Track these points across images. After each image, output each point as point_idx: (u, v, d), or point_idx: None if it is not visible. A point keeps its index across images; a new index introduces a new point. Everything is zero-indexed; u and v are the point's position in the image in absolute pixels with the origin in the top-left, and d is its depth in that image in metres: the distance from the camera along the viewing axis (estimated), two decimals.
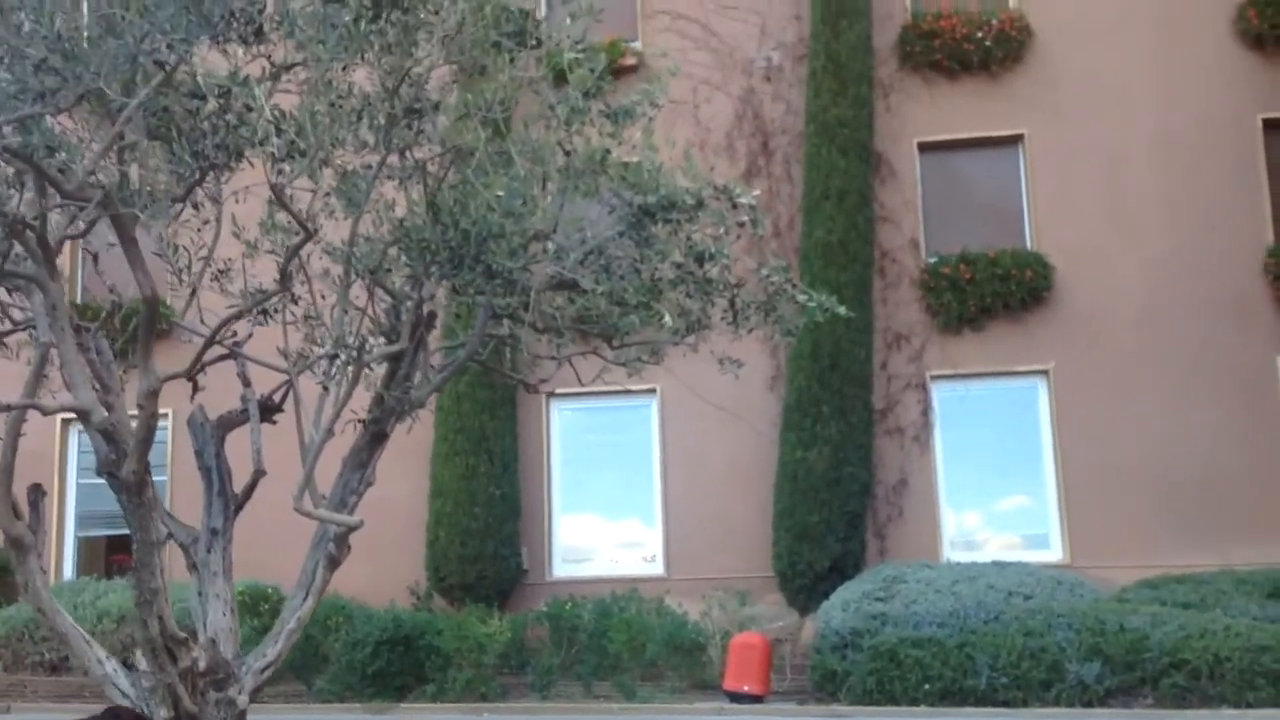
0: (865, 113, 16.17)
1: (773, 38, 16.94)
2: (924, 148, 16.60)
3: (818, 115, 16.09)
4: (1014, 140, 16.49)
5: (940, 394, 16.28)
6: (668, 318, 7.15)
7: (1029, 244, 16.23)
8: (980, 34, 16.35)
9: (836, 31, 16.11)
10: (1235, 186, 15.75)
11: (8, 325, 6.75)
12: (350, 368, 6.17)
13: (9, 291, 6.96)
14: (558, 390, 15.46)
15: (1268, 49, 15.89)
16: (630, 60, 16.05)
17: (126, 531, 6.47)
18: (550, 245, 6.59)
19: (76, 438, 16.99)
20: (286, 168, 5.36)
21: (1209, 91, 15.97)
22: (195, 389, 7.08)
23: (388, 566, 15.78)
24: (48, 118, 4.61)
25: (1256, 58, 15.92)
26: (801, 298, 7.68)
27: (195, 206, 6.06)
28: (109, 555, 17.69)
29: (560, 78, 7.09)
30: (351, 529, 6.70)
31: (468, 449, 15.98)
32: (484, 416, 16.03)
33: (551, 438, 16.78)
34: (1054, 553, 15.77)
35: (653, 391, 16.26)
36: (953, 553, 15.94)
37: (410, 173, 6.25)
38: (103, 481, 6.45)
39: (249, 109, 4.86)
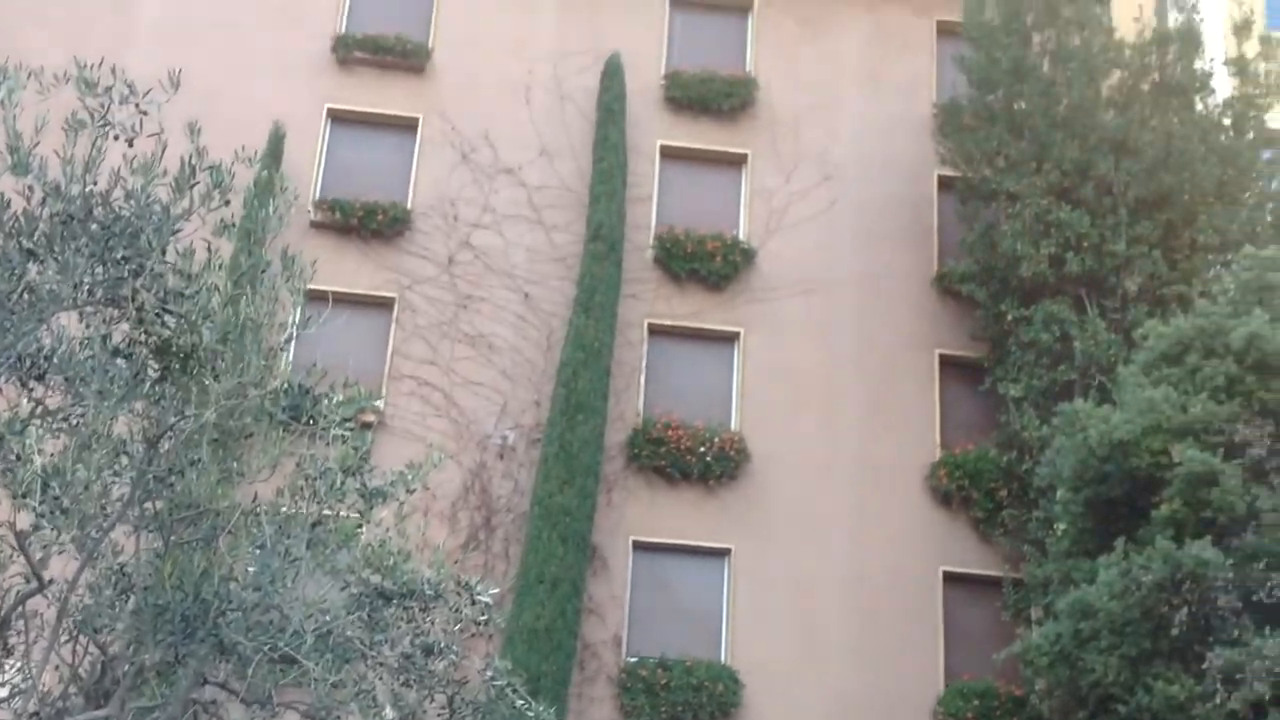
0: (588, 504, 16.66)
1: (511, 418, 17.49)
2: (638, 547, 17.13)
3: (544, 500, 16.47)
4: (721, 554, 17.23)
5: None
6: (388, 710, 7.02)
7: (724, 657, 16.68)
8: (703, 448, 17.34)
9: (572, 424, 16.78)
10: (915, 633, 16.79)
11: None
12: None
13: None
14: None
15: (953, 506, 17.43)
16: (370, 417, 16.16)
17: None
18: (282, 618, 6.45)
19: None
20: (33, 515, 5.14)
21: (899, 539, 17.27)
22: None
23: None
24: None
25: (943, 514, 17.42)
26: (520, 704, 7.70)
27: None
28: None
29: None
30: None
31: None
32: None
33: None
34: None
35: None
36: None
37: (155, 526, 6.10)
38: None
39: (17, 457, 4.72)
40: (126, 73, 6.08)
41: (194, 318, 5.65)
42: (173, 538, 6.42)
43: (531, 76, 19.40)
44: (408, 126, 19.04)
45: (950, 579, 17.11)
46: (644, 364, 18.12)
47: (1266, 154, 17.33)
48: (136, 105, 5.25)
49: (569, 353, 17.32)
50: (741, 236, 18.78)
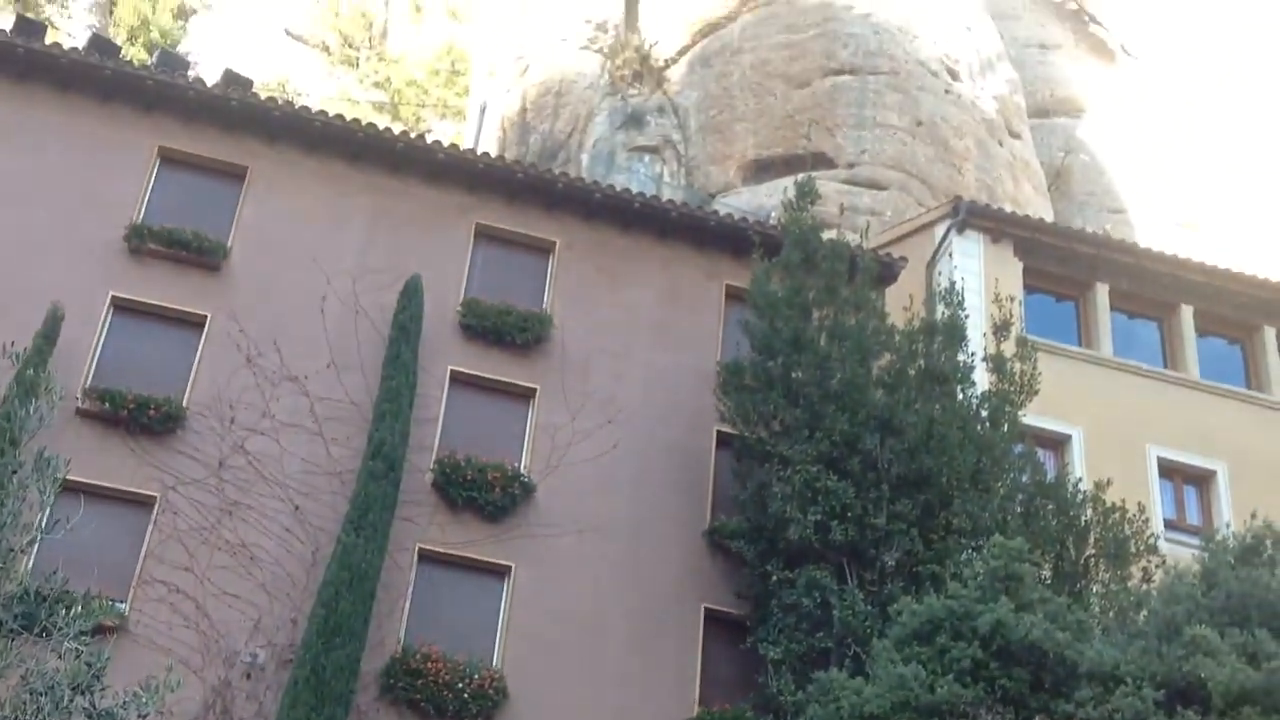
0: None
1: (265, 635, 16.72)
2: None
3: None
4: None
5: None
6: None
7: None
8: (461, 684, 16.84)
9: (329, 647, 16.07)
10: None
11: None
12: None
13: None
14: None
15: None
16: (112, 622, 15.22)
17: None
18: None
19: None
20: None
21: None
22: None
23: None
24: None
25: None
26: None
27: None
28: None
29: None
30: None
31: None
32: None
33: None
34: None
35: None
36: None
37: None
38: None
39: None
40: None
41: None
42: None
43: (329, 288, 19.40)
44: (194, 323, 18.69)
45: None
46: (411, 590, 17.68)
47: (1018, 448, 18.52)
48: None
49: (334, 572, 16.78)
50: (523, 469, 18.84)
